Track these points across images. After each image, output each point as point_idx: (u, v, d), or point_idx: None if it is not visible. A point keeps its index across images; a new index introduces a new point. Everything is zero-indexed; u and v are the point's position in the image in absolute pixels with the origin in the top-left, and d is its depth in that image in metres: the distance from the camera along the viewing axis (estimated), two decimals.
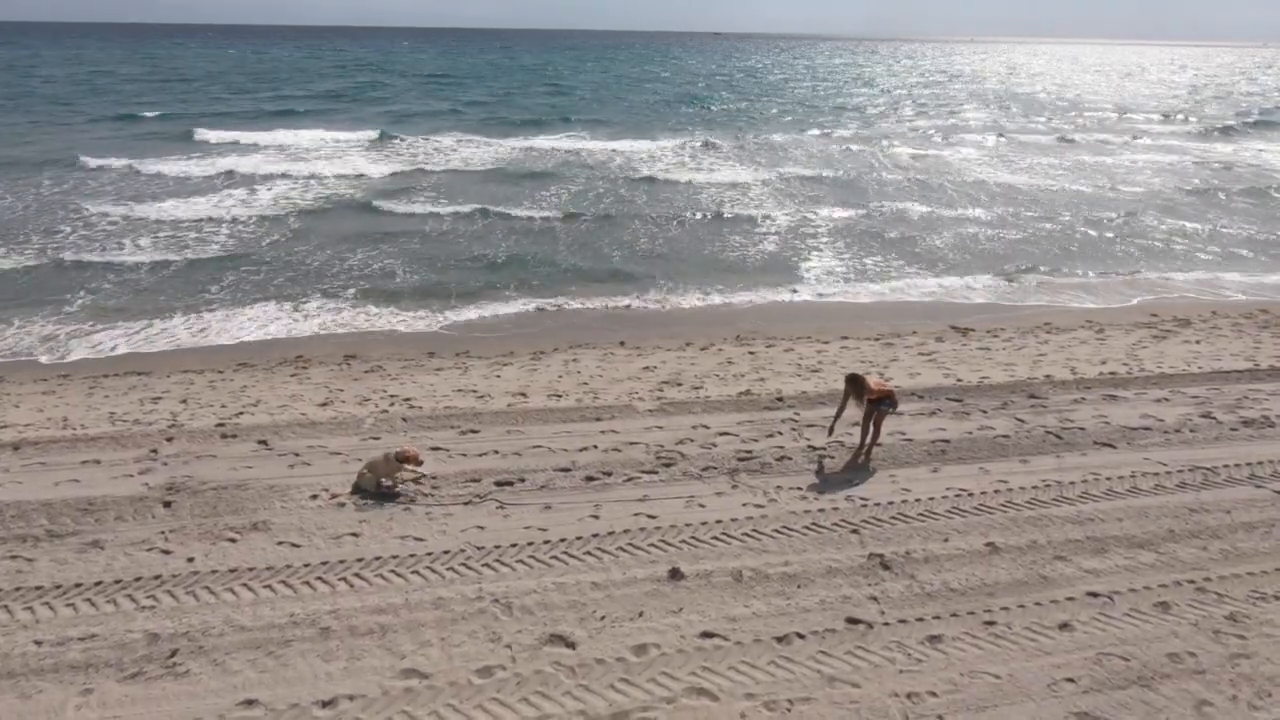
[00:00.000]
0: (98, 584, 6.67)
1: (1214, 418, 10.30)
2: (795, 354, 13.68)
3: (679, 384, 11.92)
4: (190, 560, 7.03)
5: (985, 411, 10.53)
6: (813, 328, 15.43)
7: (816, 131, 46.40)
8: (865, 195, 29.02)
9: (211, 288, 17.14)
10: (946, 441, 9.58)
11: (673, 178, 31.58)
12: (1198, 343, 14.34)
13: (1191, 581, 6.90)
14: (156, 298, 16.54)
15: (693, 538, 7.48)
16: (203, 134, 38.97)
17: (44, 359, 13.58)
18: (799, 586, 6.79)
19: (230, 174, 29.77)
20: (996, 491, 8.37)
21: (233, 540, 7.37)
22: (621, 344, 14.51)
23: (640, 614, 6.42)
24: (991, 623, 6.36)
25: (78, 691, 5.52)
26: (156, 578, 6.79)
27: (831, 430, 9.25)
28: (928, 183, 32.16)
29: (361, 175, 30.58)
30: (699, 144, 40.16)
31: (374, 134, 40.13)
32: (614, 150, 38.56)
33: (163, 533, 7.46)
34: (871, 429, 8.85)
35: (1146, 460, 9.12)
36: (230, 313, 15.72)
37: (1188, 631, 6.27)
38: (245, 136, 38.84)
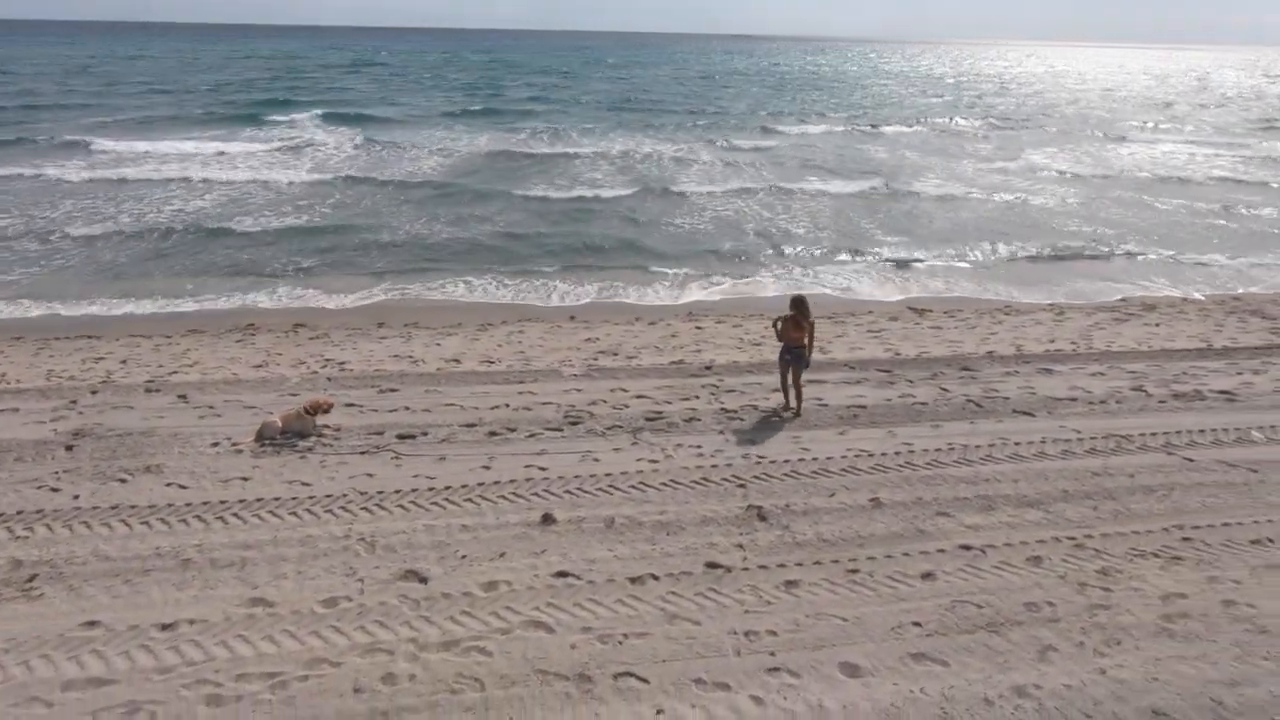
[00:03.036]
0: None
1: (1145, 390, 10.11)
2: (742, 330, 13.62)
3: (615, 354, 11.91)
4: (75, 497, 7.16)
5: (911, 382, 10.41)
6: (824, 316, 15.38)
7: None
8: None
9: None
10: (862, 408, 9.49)
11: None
12: (1157, 325, 14.07)
13: (1071, 538, 6.78)
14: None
15: (578, 489, 7.48)
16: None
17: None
18: (669, 534, 6.76)
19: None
20: (897, 453, 8.27)
21: (122, 481, 7.49)
22: (571, 318, 14.54)
23: (501, 555, 6.43)
24: (854, 570, 6.30)
25: None
26: (38, 511, 6.92)
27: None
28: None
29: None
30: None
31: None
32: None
33: (56, 473, 7.61)
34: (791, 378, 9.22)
35: (1062, 428, 8.98)
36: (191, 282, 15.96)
37: (1052, 583, 6.16)
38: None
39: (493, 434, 8.65)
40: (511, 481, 7.59)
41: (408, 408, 9.32)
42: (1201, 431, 8.87)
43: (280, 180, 26.41)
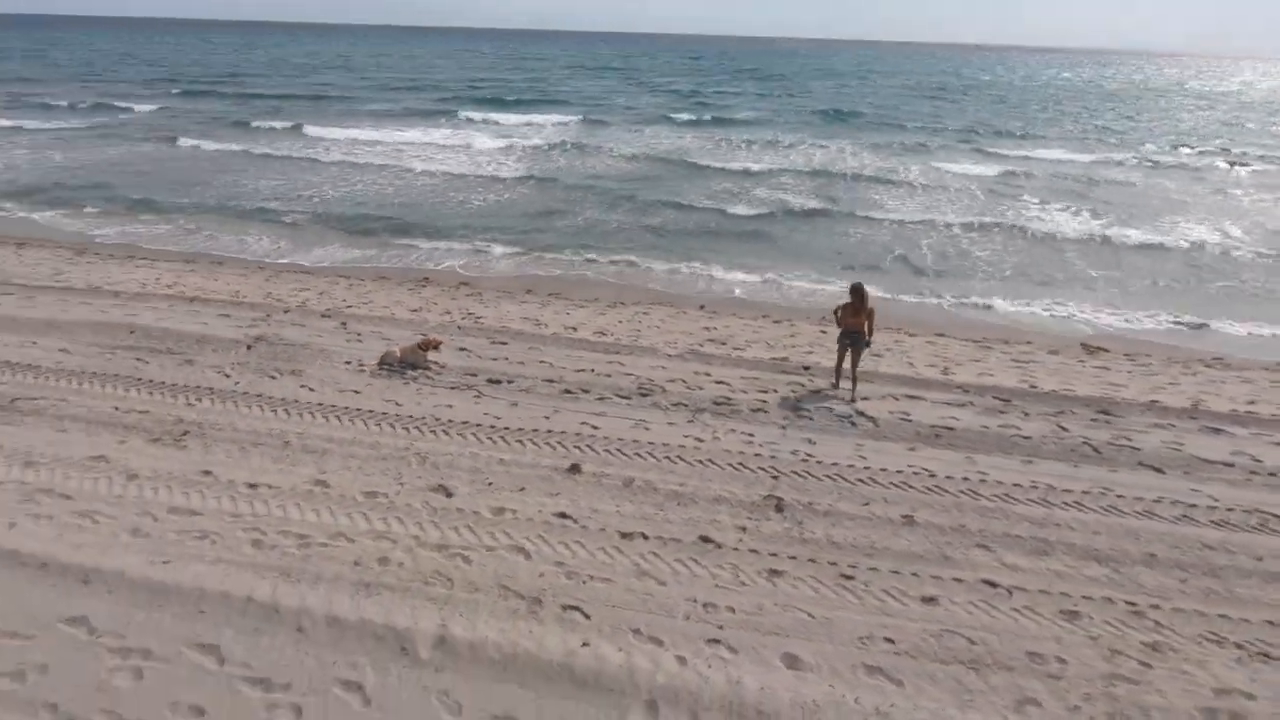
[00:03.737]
0: (170, 385, 8.92)
1: None
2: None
3: (723, 343, 12.02)
4: (236, 383, 9.06)
5: (1026, 415, 9.30)
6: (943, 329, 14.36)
7: None
8: None
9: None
10: (949, 429, 8.72)
11: None
12: None
13: (1132, 604, 5.82)
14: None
15: (616, 449, 7.88)
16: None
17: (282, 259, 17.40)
18: (678, 504, 6.92)
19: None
20: (965, 479, 7.56)
21: (272, 377, 9.29)
22: (701, 307, 14.82)
23: (521, 489, 7.06)
24: (849, 577, 6.01)
25: (117, 441, 7.60)
26: (209, 389, 8.88)
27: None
28: None
29: None
30: None
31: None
32: None
33: (232, 364, 9.64)
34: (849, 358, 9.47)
35: (1193, 492, 7.55)
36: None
37: (1076, 641, 5.39)
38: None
39: (566, 391, 9.32)
40: (562, 432, 8.19)
41: (507, 359, 10.33)
42: None
43: (503, 166, 29.67)
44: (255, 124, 37.53)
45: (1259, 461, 8.29)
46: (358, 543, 6.13)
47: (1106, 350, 13.21)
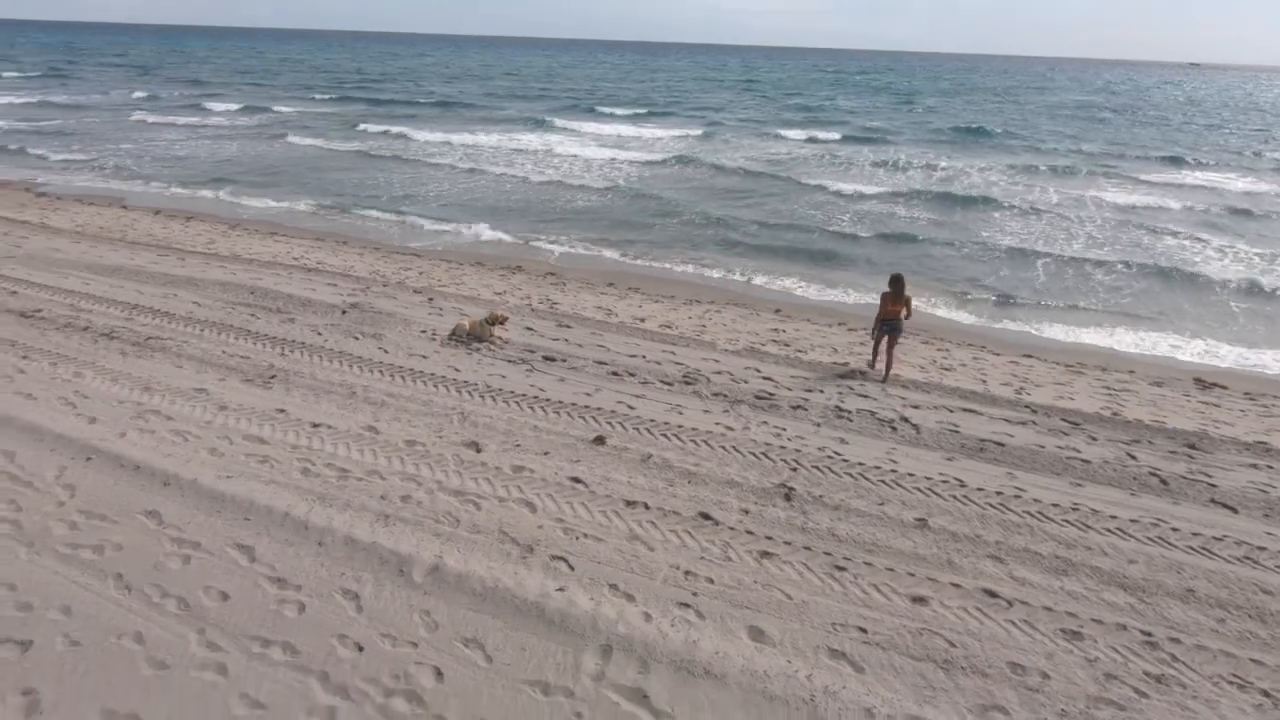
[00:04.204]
0: (271, 337, 10.15)
1: None
2: (949, 356, 12.41)
3: (787, 344, 11.98)
4: (324, 341, 10.16)
5: (1094, 439, 8.65)
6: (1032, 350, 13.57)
7: None
8: None
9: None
10: (999, 445, 8.29)
11: None
12: None
13: (1148, 634, 5.40)
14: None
15: (644, 428, 8.16)
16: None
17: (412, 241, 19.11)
18: (689, 482, 7.11)
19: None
20: (998, 493, 7.20)
21: (355, 339, 10.33)
22: (777, 311, 14.75)
23: (546, 453, 7.50)
24: (840, 568, 5.97)
25: (218, 378, 8.79)
26: (301, 343, 10.02)
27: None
28: None
29: None
30: None
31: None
32: None
33: (327, 324, 10.80)
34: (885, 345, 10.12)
35: (1269, 535, 6.78)
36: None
37: (1070, 661, 5.09)
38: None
39: (614, 373, 9.71)
40: (598, 409, 8.58)
41: (567, 340, 10.86)
42: None
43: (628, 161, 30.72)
44: (385, 130, 40.95)
45: None
46: (388, 480, 6.81)
47: (1224, 387, 11.95)
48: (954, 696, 4.78)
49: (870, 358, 10.62)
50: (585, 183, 27.62)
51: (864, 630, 5.31)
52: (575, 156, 33.50)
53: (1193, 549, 6.52)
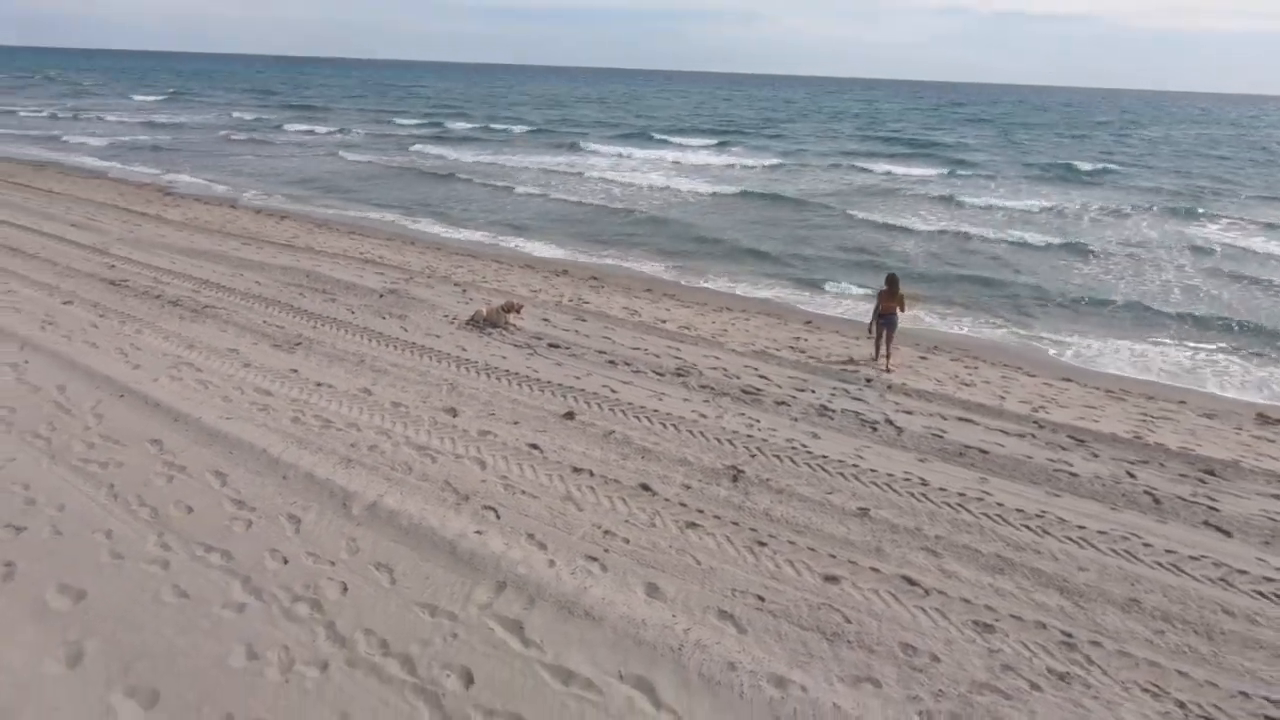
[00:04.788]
0: (309, 312, 11.17)
1: None
2: (976, 373, 11.90)
3: (802, 350, 11.90)
4: (354, 318, 11.07)
5: (1095, 456, 8.13)
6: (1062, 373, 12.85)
7: None
8: None
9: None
10: (983, 452, 7.96)
11: None
12: None
13: (1068, 635, 5.12)
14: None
15: (619, 409, 8.43)
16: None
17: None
18: (641, 457, 7.31)
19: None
20: (960, 494, 6.95)
21: (383, 318, 11.19)
22: (807, 323, 14.62)
23: (515, 422, 7.92)
24: (763, 544, 6.01)
25: (252, 342, 9.79)
26: (332, 319, 10.98)
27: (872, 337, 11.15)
28: None
29: None
30: None
31: None
32: None
33: (361, 305, 11.75)
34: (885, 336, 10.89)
35: (1259, 561, 6.19)
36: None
37: (970, 650, 4.92)
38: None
39: (610, 362, 10.03)
40: (581, 390, 8.92)
41: (578, 332, 11.30)
42: None
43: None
44: (442, 154, 43.16)
45: None
46: (363, 433, 7.41)
47: None
48: (829, 665, 4.74)
49: (874, 353, 11.22)
50: (645, 204, 28.29)
51: (761, 598, 5.33)
52: (628, 183, 34.37)
53: (1159, 565, 6.07)
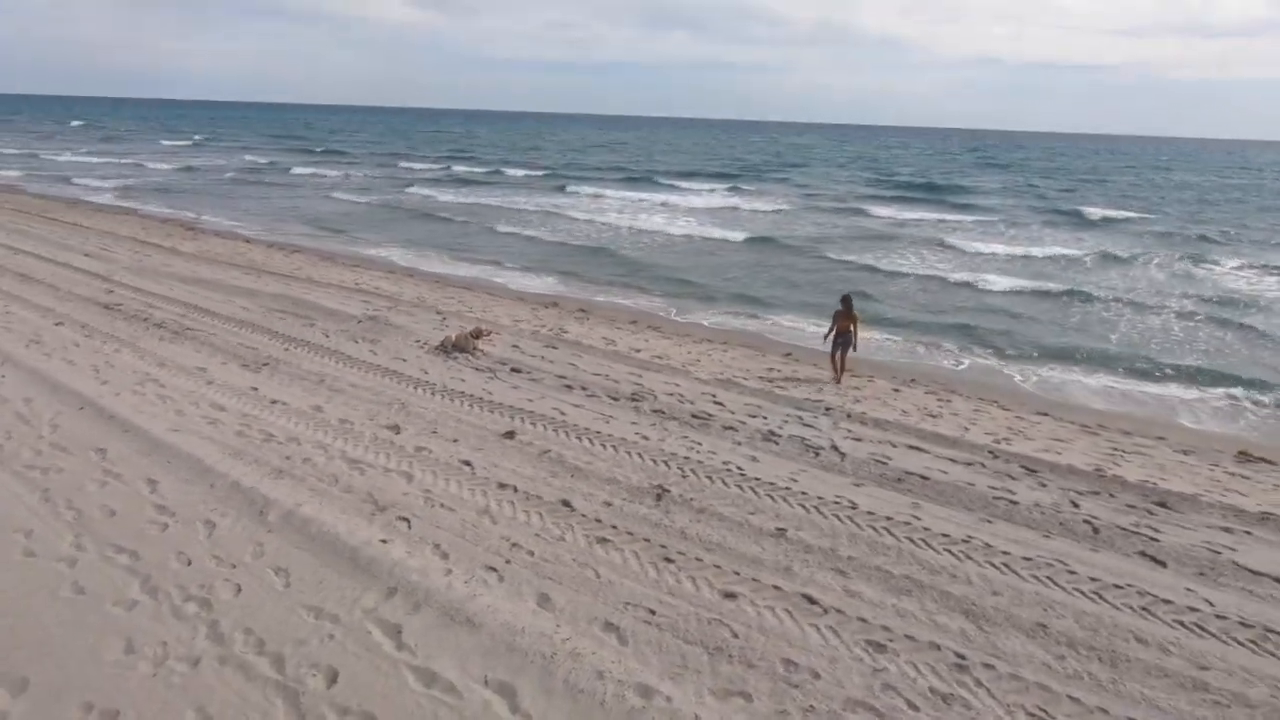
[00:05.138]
0: (286, 335, 11.53)
1: None
2: (947, 405, 11.74)
3: (771, 381, 11.87)
4: (327, 341, 11.38)
5: (1043, 486, 7.94)
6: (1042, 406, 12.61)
7: None
8: None
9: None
10: (923, 479, 7.83)
11: None
12: None
13: (960, 658, 4.97)
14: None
15: (562, 430, 8.50)
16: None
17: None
18: (570, 475, 7.34)
19: None
20: (888, 518, 6.83)
21: (355, 341, 11.49)
22: (787, 355, 14.59)
23: (455, 440, 8.03)
24: (670, 560, 5.98)
25: (221, 362, 10.12)
26: (305, 341, 11.30)
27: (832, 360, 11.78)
28: None
29: None
30: None
31: None
32: None
33: (337, 330, 12.07)
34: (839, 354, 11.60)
35: (1188, 592, 5.95)
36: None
37: (855, 668, 4.82)
38: None
39: (567, 386, 10.13)
40: (530, 412, 9.02)
41: (543, 358, 11.45)
42: None
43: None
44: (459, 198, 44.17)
45: None
46: (302, 446, 7.58)
47: (1272, 462, 10.51)
48: (703, 678, 4.67)
49: (832, 371, 11.84)
50: (642, 245, 28.71)
51: (653, 612, 5.29)
52: (631, 225, 34.81)
53: (1079, 592, 5.88)
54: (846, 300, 11.52)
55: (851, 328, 11.44)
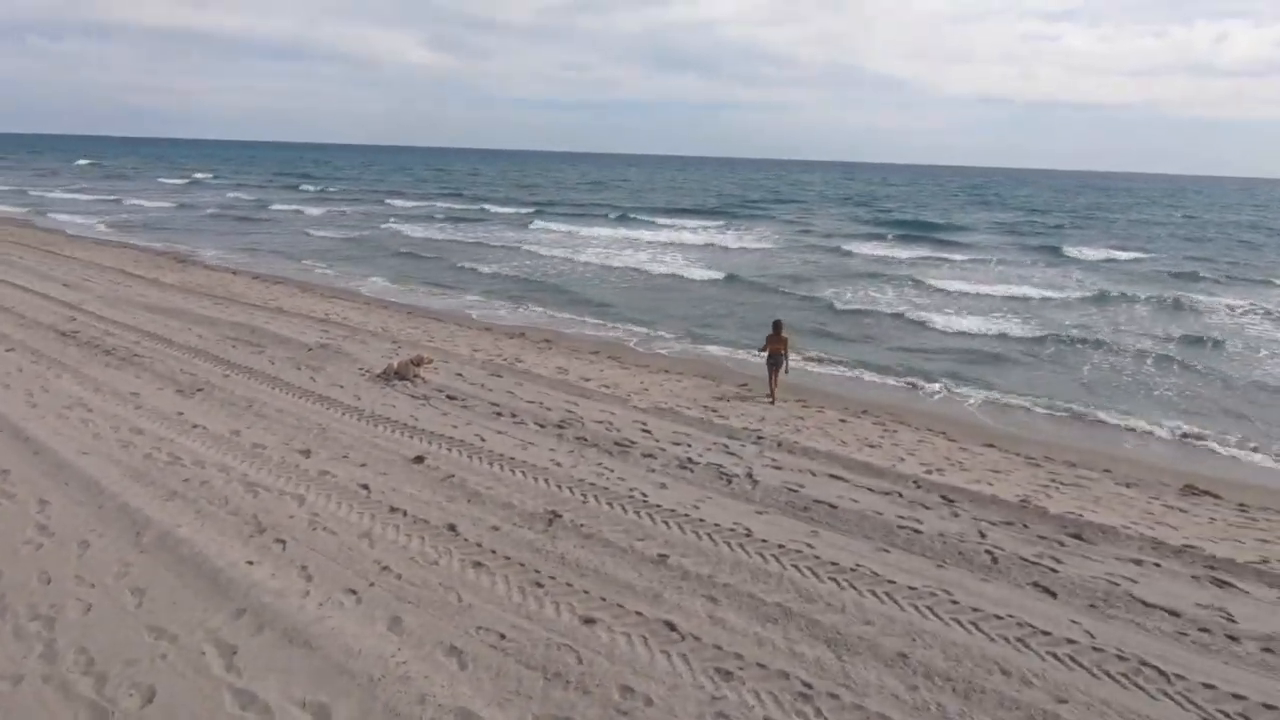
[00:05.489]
0: (230, 362, 11.69)
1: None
2: (892, 436, 11.60)
3: (715, 410, 11.81)
4: (271, 368, 11.50)
5: (956, 516, 7.79)
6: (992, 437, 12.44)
7: None
8: None
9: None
10: (830, 507, 7.71)
11: None
12: None
13: (807, 687, 4.84)
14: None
15: (475, 456, 8.50)
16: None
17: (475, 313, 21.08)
18: (467, 500, 7.32)
19: None
20: (780, 545, 6.72)
21: (298, 369, 11.61)
22: (743, 385, 14.53)
23: (363, 464, 8.08)
24: (540, 585, 5.92)
25: (157, 387, 10.24)
26: (247, 368, 11.44)
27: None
28: None
29: None
30: None
31: None
32: None
33: (286, 357, 12.22)
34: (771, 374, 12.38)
35: (1072, 624, 5.78)
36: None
37: (693, 696, 4.72)
38: None
39: (498, 413, 10.14)
40: (449, 438, 9.03)
41: (483, 386, 11.49)
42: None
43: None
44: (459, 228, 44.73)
45: (1230, 620, 6.01)
46: (205, 470, 7.63)
47: (1217, 496, 10.28)
48: (530, 704, 4.57)
49: (769, 392, 12.54)
50: (613, 280, 28.94)
51: (504, 636, 5.21)
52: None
53: (956, 621, 5.73)
54: (777, 324, 12.37)
55: (782, 350, 12.24)
